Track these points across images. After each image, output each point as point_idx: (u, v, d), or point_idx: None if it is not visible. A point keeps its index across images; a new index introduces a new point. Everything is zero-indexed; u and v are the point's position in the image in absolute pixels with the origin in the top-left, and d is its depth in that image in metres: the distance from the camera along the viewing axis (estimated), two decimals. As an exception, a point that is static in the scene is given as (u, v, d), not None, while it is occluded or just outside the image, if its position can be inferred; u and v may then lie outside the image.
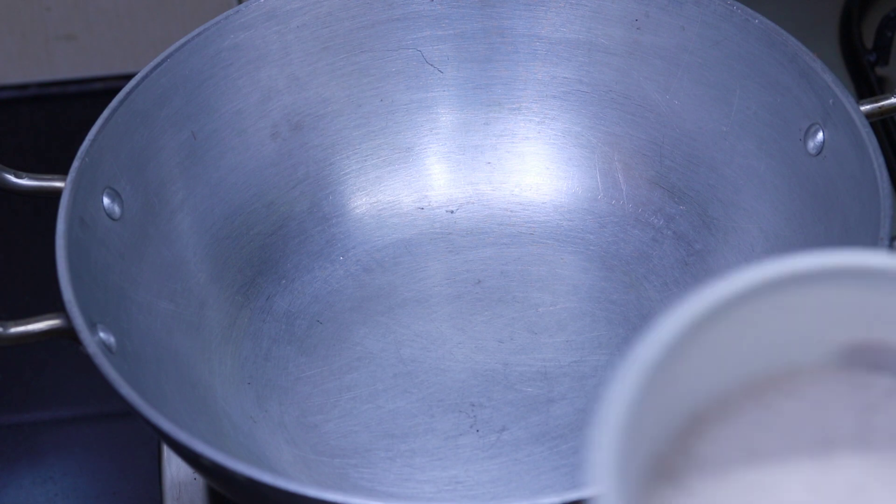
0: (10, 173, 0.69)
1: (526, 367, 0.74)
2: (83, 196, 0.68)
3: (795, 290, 0.38)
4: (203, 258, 0.75)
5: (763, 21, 0.72)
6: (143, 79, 0.72)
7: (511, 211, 0.80)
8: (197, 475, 0.73)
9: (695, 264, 0.75)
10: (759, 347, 0.40)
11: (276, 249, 0.78)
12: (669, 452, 0.39)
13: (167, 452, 0.74)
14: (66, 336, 0.64)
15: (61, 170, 0.68)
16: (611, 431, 0.37)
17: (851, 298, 0.39)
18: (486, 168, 0.80)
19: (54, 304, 0.64)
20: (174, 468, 0.74)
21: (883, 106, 0.70)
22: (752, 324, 0.39)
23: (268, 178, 0.78)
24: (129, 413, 0.61)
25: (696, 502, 0.39)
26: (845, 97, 0.68)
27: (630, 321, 0.75)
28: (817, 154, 0.70)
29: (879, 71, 0.90)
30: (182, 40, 0.74)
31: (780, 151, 0.72)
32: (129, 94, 0.72)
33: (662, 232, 0.76)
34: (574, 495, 0.55)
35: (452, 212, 0.80)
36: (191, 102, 0.75)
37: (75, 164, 0.68)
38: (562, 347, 0.74)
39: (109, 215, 0.70)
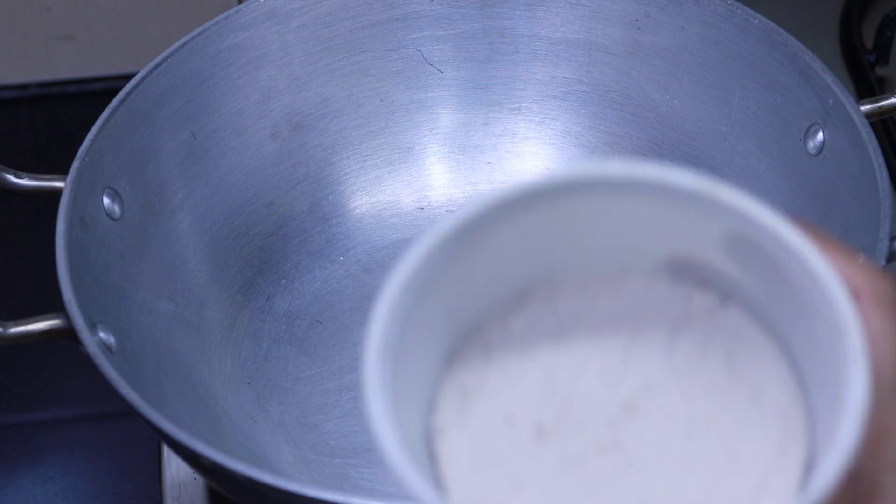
0: (10, 173, 0.69)
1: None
2: (83, 196, 0.68)
3: (613, 196, 0.40)
4: (203, 258, 0.75)
5: (763, 21, 0.72)
6: (143, 79, 0.72)
7: (511, 211, 0.80)
8: (197, 475, 0.73)
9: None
10: (591, 248, 0.42)
11: (276, 249, 0.78)
12: (490, 326, 0.42)
13: (167, 452, 0.74)
14: (66, 336, 0.64)
15: (61, 170, 0.68)
16: (388, 299, 0.39)
17: (668, 213, 0.41)
18: (486, 168, 0.80)
19: (54, 304, 0.64)
20: (174, 468, 0.74)
21: (883, 106, 0.70)
22: (580, 221, 0.41)
23: (268, 178, 0.78)
24: (129, 413, 0.60)
25: (495, 373, 0.41)
26: (845, 97, 0.68)
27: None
28: (817, 154, 0.70)
29: (879, 71, 0.90)
30: (182, 40, 0.74)
31: (780, 151, 0.72)
32: (129, 94, 0.72)
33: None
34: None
35: (452, 212, 0.80)
36: (191, 102, 0.75)
37: (75, 164, 0.68)
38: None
39: (109, 215, 0.69)
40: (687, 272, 0.42)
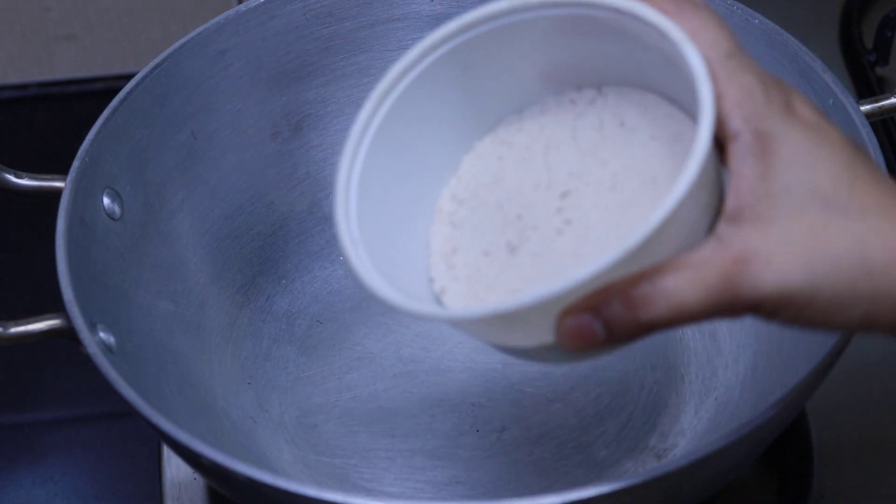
0: (10, 173, 0.69)
1: (526, 367, 0.73)
2: (83, 196, 0.68)
3: (477, 40, 0.54)
4: (203, 258, 0.75)
5: (763, 21, 0.72)
6: (143, 79, 0.72)
7: (511, 211, 0.80)
8: (197, 475, 0.73)
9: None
10: (485, 93, 0.55)
11: (276, 249, 0.78)
12: (442, 195, 0.57)
13: (167, 452, 0.74)
14: (66, 336, 0.64)
15: (61, 170, 0.68)
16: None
17: (528, 34, 0.53)
18: (487, 168, 0.80)
19: (54, 304, 0.64)
20: (174, 468, 0.74)
21: (883, 106, 0.70)
22: (471, 67, 0.55)
23: (268, 178, 0.78)
24: (129, 413, 0.60)
25: (461, 232, 0.55)
26: (845, 97, 0.68)
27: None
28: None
29: (879, 71, 0.90)
30: (182, 40, 0.74)
31: (781, 151, 0.72)
32: (129, 93, 0.71)
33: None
34: (575, 496, 0.55)
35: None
36: (191, 102, 0.75)
37: (75, 163, 0.68)
38: (562, 347, 0.74)
39: (109, 215, 0.69)
40: (563, 80, 0.55)
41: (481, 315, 0.49)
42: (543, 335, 0.50)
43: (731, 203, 0.49)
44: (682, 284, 0.48)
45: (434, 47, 0.54)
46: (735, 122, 0.49)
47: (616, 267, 0.47)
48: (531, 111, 0.56)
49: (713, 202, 0.50)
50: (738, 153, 0.49)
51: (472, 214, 0.56)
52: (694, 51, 0.49)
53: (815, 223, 0.48)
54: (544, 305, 0.47)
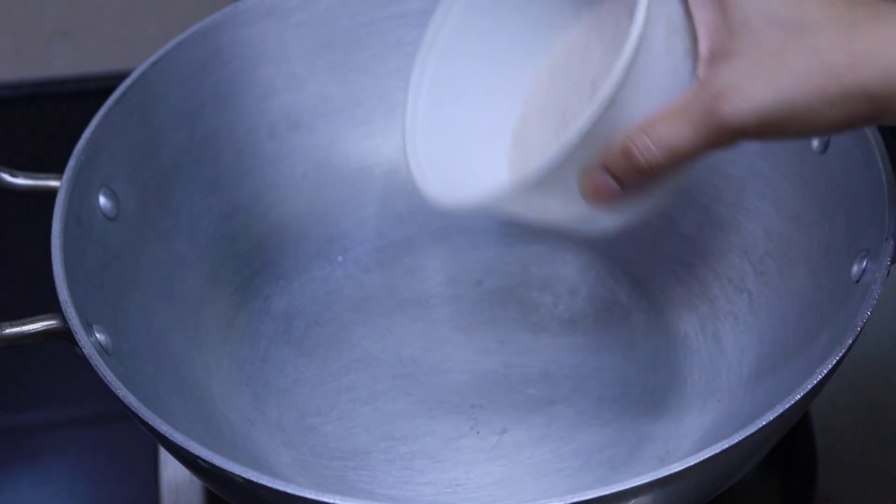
0: (5, 172, 0.69)
1: (527, 369, 0.73)
2: (79, 195, 0.67)
3: None
4: (200, 258, 0.75)
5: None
6: (139, 77, 0.72)
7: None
8: (194, 477, 0.72)
9: (698, 265, 0.75)
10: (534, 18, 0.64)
11: (274, 249, 0.78)
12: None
13: (164, 454, 0.73)
14: (62, 337, 0.63)
15: (57, 168, 0.68)
16: None
17: None
18: (486, 167, 0.80)
19: (50, 305, 0.64)
20: (171, 470, 0.74)
21: (888, 104, 0.70)
22: None
23: (266, 178, 0.78)
24: (126, 415, 0.60)
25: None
26: (849, 95, 0.68)
27: (632, 322, 0.75)
28: (822, 153, 0.69)
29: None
30: (179, 38, 0.74)
31: (785, 150, 0.72)
32: (125, 92, 0.71)
33: (665, 232, 0.76)
34: (576, 498, 0.55)
35: None
36: (188, 101, 0.74)
37: (71, 162, 0.68)
38: (563, 349, 0.74)
39: (106, 215, 0.69)
40: None
41: (517, 186, 0.56)
42: (575, 200, 0.57)
43: (702, 47, 0.55)
44: (672, 128, 0.54)
45: None
46: None
47: (602, 120, 0.54)
48: (573, 27, 0.63)
49: (691, 49, 0.56)
50: (695, 3, 0.55)
51: (535, 127, 0.64)
52: None
53: (775, 46, 0.53)
54: (562, 167, 0.55)
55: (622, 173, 0.55)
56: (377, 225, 0.79)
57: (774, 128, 0.53)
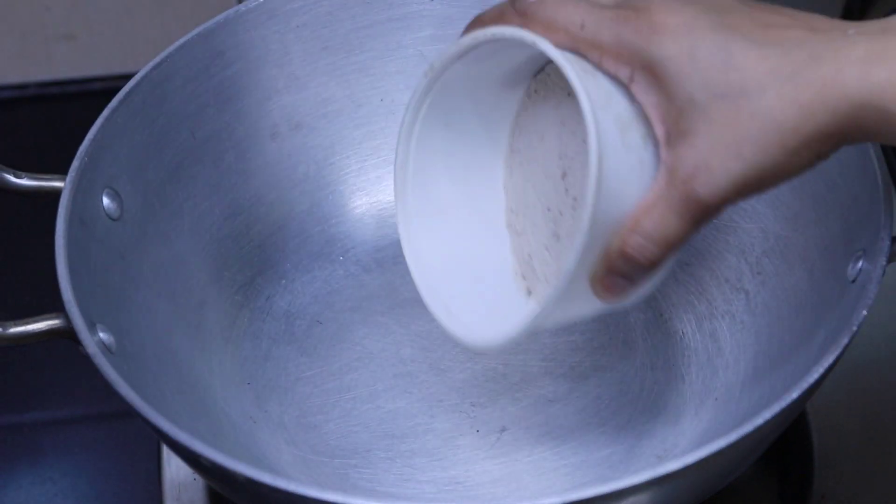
0: (9, 173, 0.69)
1: (526, 368, 0.73)
2: (83, 196, 0.68)
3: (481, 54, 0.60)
4: (203, 258, 0.75)
5: (764, 21, 0.72)
6: (142, 78, 0.72)
7: (511, 211, 0.80)
8: (197, 476, 0.73)
9: (695, 265, 0.75)
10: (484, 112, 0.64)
11: (276, 249, 0.78)
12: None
13: (167, 453, 0.74)
14: (66, 336, 0.63)
15: (61, 169, 0.68)
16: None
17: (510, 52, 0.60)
18: (487, 168, 0.80)
19: (54, 304, 0.64)
20: (174, 468, 0.74)
21: (884, 106, 0.70)
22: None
23: (268, 178, 0.78)
24: (129, 413, 0.60)
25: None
26: (846, 97, 0.68)
27: (630, 322, 0.75)
28: (818, 154, 0.70)
29: (880, 71, 0.89)
30: (182, 40, 0.74)
31: (781, 151, 0.71)
32: (128, 93, 0.71)
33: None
34: (575, 496, 0.55)
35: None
36: (190, 102, 0.75)
37: (75, 163, 0.68)
38: (562, 348, 0.74)
39: (109, 215, 0.69)
40: (520, 81, 0.63)
41: (539, 318, 0.59)
42: (595, 300, 0.59)
43: (657, 131, 0.56)
44: (658, 221, 0.56)
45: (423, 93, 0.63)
46: (622, 71, 0.56)
47: (592, 235, 0.56)
48: (522, 114, 0.65)
49: (649, 133, 0.56)
50: (639, 91, 0.56)
51: (525, 219, 0.65)
52: (547, 44, 0.56)
53: (727, 119, 0.53)
54: (571, 285, 0.57)
55: (626, 273, 0.57)
56: (378, 225, 0.79)
57: (751, 189, 0.54)
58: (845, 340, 0.60)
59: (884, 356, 0.75)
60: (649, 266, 0.57)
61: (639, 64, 0.55)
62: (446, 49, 0.61)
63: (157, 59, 0.73)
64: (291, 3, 0.77)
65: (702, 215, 0.55)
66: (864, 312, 0.61)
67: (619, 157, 0.55)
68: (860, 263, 0.64)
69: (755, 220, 0.73)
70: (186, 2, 1.07)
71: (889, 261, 0.63)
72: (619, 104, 0.56)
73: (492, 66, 0.62)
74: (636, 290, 0.59)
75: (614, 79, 0.57)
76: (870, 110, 0.52)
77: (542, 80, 0.64)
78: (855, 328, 0.60)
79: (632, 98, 0.56)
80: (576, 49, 0.57)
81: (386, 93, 0.79)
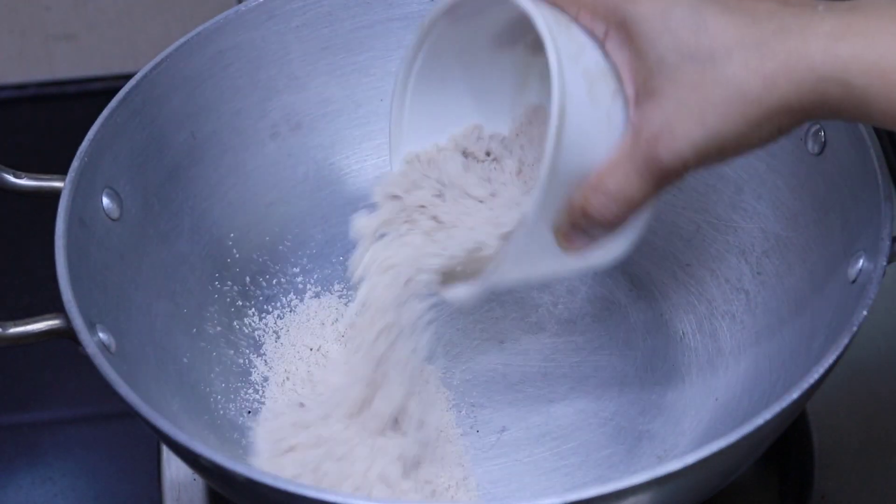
0: (9, 173, 0.69)
1: (526, 368, 0.73)
2: (82, 196, 0.68)
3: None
4: (202, 258, 0.75)
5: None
6: (142, 79, 0.72)
7: (511, 211, 0.80)
8: (196, 476, 0.73)
9: (696, 265, 0.75)
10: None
11: (275, 249, 0.78)
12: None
13: (166, 453, 0.74)
14: (66, 336, 0.63)
15: (61, 170, 0.68)
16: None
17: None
18: (486, 168, 0.80)
19: (53, 305, 0.64)
20: (173, 469, 0.74)
21: (884, 106, 0.70)
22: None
23: (267, 178, 0.78)
24: (129, 414, 0.60)
25: None
26: (846, 97, 0.68)
27: (630, 322, 0.75)
28: (818, 154, 0.70)
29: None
30: (181, 40, 0.74)
31: (782, 151, 0.72)
32: (128, 93, 0.71)
33: (663, 233, 0.76)
34: (575, 496, 0.55)
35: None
36: (190, 102, 0.75)
37: (74, 163, 0.68)
38: (562, 348, 0.74)
39: (109, 215, 0.69)
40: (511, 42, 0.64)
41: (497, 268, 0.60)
42: (562, 257, 0.60)
43: (627, 88, 0.56)
44: (620, 181, 0.56)
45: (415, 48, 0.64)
46: (598, 27, 0.57)
47: (552, 185, 0.56)
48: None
49: (619, 89, 0.57)
50: (612, 48, 0.57)
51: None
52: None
53: (693, 81, 0.54)
54: (533, 233, 0.58)
55: (588, 228, 0.58)
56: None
57: (712, 158, 0.55)
58: (845, 340, 0.60)
59: (884, 356, 0.75)
60: (610, 225, 0.57)
61: (614, 21, 0.56)
62: (434, 7, 0.62)
63: (157, 60, 0.73)
64: (291, 3, 0.77)
65: (663, 178, 0.56)
66: (865, 312, 0.61)
67: (584, 109, 0.56)
68: (860, 264, 0.64)
69: (756, 220, 0.73)
70: (186, 2, 1.07)
71: (889, 261, 0.63)
72: (590, 58, 0.57)
73: (481, 25, 0.63)
74: (599, 246, 0.60)
75: (590, 34, 0.57)
76: (833, 84, 0.53)
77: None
78: (855, 328, 0.60)
79: (605, 54, 0.57)
80: (553, 2, 0.58)
81: (386, 93, 0.79)
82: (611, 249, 0.61)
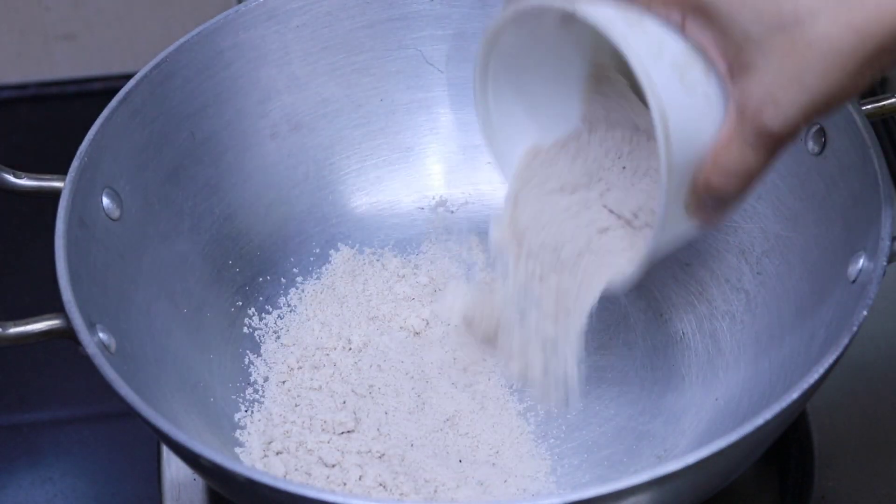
0: (9, 173, 0.69)
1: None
2: (82, 196, 0.68)
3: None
4: (202, 258, 0.75)
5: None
6: (142, 79, 0.72)
7: (511, 211, 0.80)
8: (196, 476, 0.73)
9: (695, 265, 0.75)
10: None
11: (275, 249, 0.78)
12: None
13: (166, 453, 0.74)
14: (66, 336, 0.64)
15: (61, 170, 0.68)
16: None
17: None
18: (486, 168, 0.80)
19: (53, 305, 0.64)
20: (173, 469, 0.74)
21: (884, 105, 0.70)
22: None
23: (267, 178, 0.78)
24: (129, 414, 0.60)
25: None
26: (846, 97, 0.68)
27: (630, 322, 0.75)
28: (818, 154, 0.70)
29: (880, 71, 0.89)
30: (181, 40, 0.74)
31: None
32: (128, 93, 0.71)
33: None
34: (575, 496, 0.55)
35: (452, 212, 0.80)
36: (190, 102, 0.75)
37: (75, 163, 0.68)
38: (562, 348, 0.74)
39: (109, 215, 0.69)
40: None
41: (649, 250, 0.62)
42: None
43: (720, 67, 0.57)
44: (736, 158, 0.57)
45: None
46: (673, 15, 0.57)
47: (673, 178, 0.57)
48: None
49: (708, 67, 0.57)
50: (694, 31, 0.57)
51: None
52: (580, 7, 0.57)
53: (784, 47, 0.54)
54: (665, 220, 0.60)
55: (716, 204, 0.59)
56: (378, 225, 0.80)
57: (821, 113, 0.56)
58: (846, 341, 0.60)
59: (884, 356, 0.75)
60: (737, 195, 0.58)
61: (689, 6, 0.56)
62: (496, 19, 0.62)
63: (157, 60, 0.73)
64: (291, 3, 0.77)
65: (776, 145, 0.56)
66: (865, 312, 0.61)
67: (681, 101, 0.56)
68: (861, 264, 0.64)
69: (756, 220, 0.73)
70: (186, 2, 1.07)
71: (889, 261, 0.63)
72: (672, 48, 0.57)
73: (549, 28, 0.63)
74: (733, 211, 0.61)
75: (665, 22, 0.57)
76: None
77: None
78: (855, 328, 0.60)
79: (685, 37, 0.57)
80: None
81: (386, 93, 0.80)
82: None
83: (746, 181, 0.58)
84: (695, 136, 0.57)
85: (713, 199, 0.58)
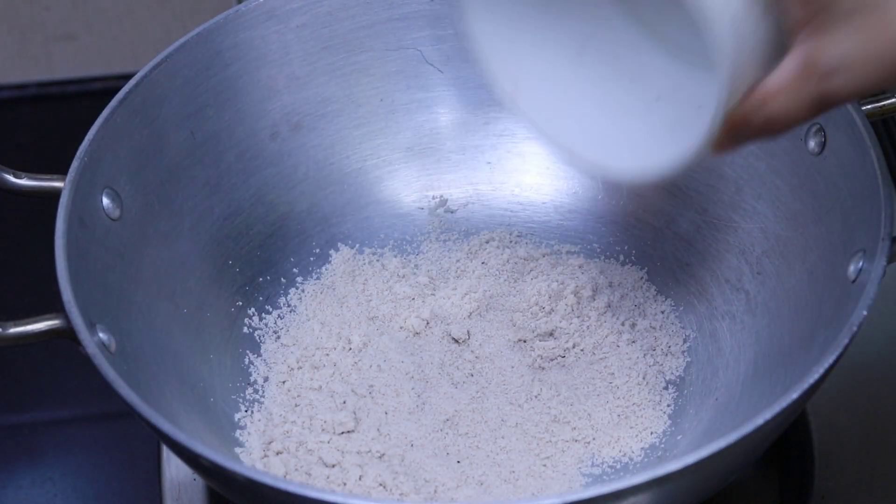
0: (9, 173, 0.69)
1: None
2: (82, 196, 0.68)
3: None
4: (202, 258, 0.75)
5: (764, 21, 0.72)
6: (142, 79, 0.72)
7: (511, 211, 0.80)
8: (196, 476, 0.73)
9: (696, 265, 0.75)
10: None
11: (275, 249, 0.78)
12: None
13: (166, 453, 0.74)
14: (66, 336, 0.64)
15: (61, 170, 0.68)
16: None
17: None
18: (486, 168, 0.80)
19: (53, 305, 0.64)
20: (173, 468, 0.74)
21: (884, 105, 0.70)
22: None
23: (268, 178, 0.78)
24: (129, 414, 0.61)
25: None
26: (846, 97, 0.68)
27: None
28: (818, 153, 0.70)
29: (880, 71, 0.89)
30: (181, 40, 0.74)
31: (782, 151, 0.72)
32: (128, 93, 0.71)
33: (663, 232, 0.76)
34: (575, 496, 0.55)
35: (453, 212, 0.80)
36: (190, 102, 0.75)
37: (75, 163, 0.68)
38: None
39: (109, 215, 0.69)
40: None
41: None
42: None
43: (794, 14, 0.56)
44: (786, 107, 0.56)
45: None
46: None
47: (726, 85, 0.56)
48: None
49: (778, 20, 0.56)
50: None
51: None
52: None
53: (864, 24, 0.54)
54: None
55: (743, 140, 0.59)
56: (377, 225, 0.80)
57: (877, 90, 0.57)
58: (845, 340, 0.60)
59: (884, 356, 0.75)
60: (763, 139, 0.59)
61: None
62: None
63: (157, 59, 0.73)
64: (291, 3, 0.77)
65: (827, 107, 0.56)
66: (864, 312, 0.61)
67: (744, 32, 0.56)
68: (860, 263, 0.64)
69: (755, 220, 0.73)
70: (186, 2, 1.07)
71: (889, 261, 0.63)
72: None
73: None
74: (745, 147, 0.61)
75: None
76: None
77: None
78: (855, 328, 0.60)
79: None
80: None
81: (386, 93, 0.80)
82: None
83: (783, 130, 0.58)
84: (749, 62, 0.56)
85: (744, 135, 0.58)
